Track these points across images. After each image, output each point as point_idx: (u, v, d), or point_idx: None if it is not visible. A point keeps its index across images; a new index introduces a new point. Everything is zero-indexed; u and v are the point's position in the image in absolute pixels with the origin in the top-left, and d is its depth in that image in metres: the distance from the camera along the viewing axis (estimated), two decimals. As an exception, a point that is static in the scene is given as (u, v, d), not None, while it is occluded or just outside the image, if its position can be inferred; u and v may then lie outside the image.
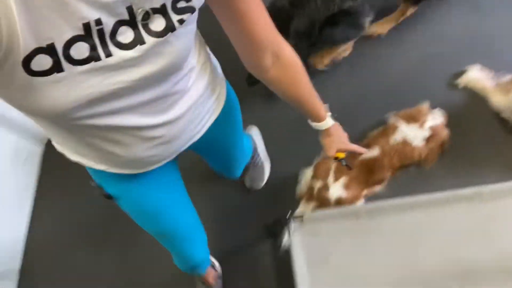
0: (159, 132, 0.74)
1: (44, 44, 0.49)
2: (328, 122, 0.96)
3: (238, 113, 1.04)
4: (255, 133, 1.77)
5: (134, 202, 0.95)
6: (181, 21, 0.59)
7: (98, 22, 0.52)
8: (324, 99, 0.94)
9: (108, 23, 0.53)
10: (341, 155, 1.03)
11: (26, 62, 0.49)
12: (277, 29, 0.76)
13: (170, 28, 0.58)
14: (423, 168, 1.60)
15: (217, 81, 0.86)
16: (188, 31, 0.63)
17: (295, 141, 1.77)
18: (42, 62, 0.50)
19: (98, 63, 0.55)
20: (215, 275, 1.52)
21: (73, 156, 0.81)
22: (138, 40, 0.56)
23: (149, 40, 0.57)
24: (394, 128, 1.59)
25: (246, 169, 1.59)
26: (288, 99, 0.85)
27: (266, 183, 1.74)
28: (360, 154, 1.07)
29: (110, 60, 0.55)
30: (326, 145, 1.01)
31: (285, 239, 1.29)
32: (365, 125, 1.73)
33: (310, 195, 1.57)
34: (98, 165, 0.81)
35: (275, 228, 1.47)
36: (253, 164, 1.66)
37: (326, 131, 0.98)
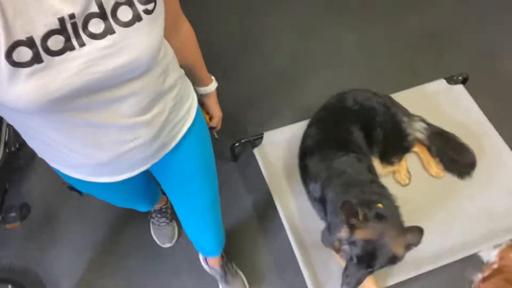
0: (134, 134, 0.77)
1: (23, 37, 0.55)
2: (213, 85, 1.10)
3: (209, 147, 1.07)
4: None
5: (105, 198, 1.10)
6: (146, 11, 0.65)
7: (72, 16, 0.58)
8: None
9: (80, 16, 0.59)
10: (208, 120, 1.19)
11: (8, 53, 0.55)
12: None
13: (137, 17, 0.64)
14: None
15: (189, 94, 0.93)
16: (154, 23, 0.67)
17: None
18: (23, 54, 0.55)
19: (73, 53, 0.59)
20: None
21: (52, 163, 0.87)
22: (108, 30, 0.61)
23: (118, 29, 0.62)
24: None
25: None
26: (183, 63, 0.94)
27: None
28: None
29: (83, 50, 0.60)
30: (211, 106, 1.14)
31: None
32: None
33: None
34: (74, 174, 0.86)
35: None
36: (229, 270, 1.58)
37: (210, 94, 1.11)
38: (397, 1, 2.49)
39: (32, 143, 0.80)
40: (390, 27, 2.37)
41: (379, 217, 1.14)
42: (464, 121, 1.74)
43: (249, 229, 1.71)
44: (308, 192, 1.48)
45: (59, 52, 0.58)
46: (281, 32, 2.39)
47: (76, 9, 0.58)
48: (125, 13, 0.62)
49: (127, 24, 0.63)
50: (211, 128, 1.21)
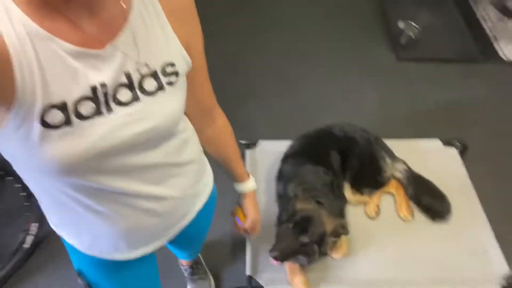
0: (152, 204, 0.80)
1: (57, 101, 0.59)
2: (250, 183, 1.09)
3: (212, 214, 1.13)
4: None
5: None
6: (169, 83, 0.72)
7: (103, 85, 0.63)
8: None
9: (111, 86, 0.64)
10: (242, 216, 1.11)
11: (42, 115, 0.59)
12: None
13: (160, 87, 0.70)
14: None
15: (205, 170, 0.98)
16: (176, 94, 0.74)
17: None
18: (55, 116, 0.59)
19: (101, 118, 0.64)
20: None
21: (69, 238, 0.88)
22: (134, 99, 0.67)
23: (143, 98, 0.68)
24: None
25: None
26: (218, 156, 0.99)
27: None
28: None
29: (111, 116, 0.65)
30: (247, 206, 1.11)
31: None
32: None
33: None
34: (89, 250, 0.87)
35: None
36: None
37: (247, 194, 1.10)
38: (425, 73, 2.68)
39: (56, 212, 0.83)
40: (412, 95, 2.55)
41: (319, 203, 1.30)
42: (448, 180, 1.79)
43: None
44: (277, 191, 1.64)
45: (88, 117, 0.63)
46: (314, 74, 2.68)
47: (107, 79, 0.64)
48: (150, 84, 0.69)
49: (151, 94, 0.69)
50: (245, 231, 1.14)
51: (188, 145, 0.85)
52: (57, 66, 0.59)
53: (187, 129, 0.86)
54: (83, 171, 0.67)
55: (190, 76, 0.79)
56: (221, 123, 0.98)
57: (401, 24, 2.78)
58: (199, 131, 0.93)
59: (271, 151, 1.91)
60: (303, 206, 1.28)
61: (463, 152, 1.97)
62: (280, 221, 1.37)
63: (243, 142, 1.95)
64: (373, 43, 2.87)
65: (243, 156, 2.02)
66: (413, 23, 2.73)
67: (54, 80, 0.59)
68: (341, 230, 1.25)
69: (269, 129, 2.30)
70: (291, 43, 2.90)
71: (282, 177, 1.62)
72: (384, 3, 3.15)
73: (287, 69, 2.74)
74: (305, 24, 3.03)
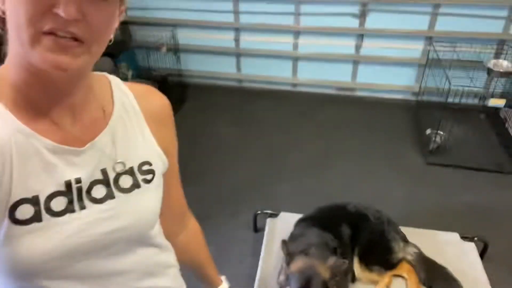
0: None
1: (30, 195, 0.58)
2: (224, 286, 1.04)
3: None
4: None
5: None
6: (145, 180, 0.70)
7: (78, 180, 0.62)
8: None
9: (86, 182, 0.63)
10: None
11: (12, 210, 0.57)
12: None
13: (136, 185, 0.69)
14: None
15: None
16: (152, 192, 0.72)
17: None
18: (25, 211, 0.57)
19: (73, 215, 0.61)
20: None
21: None
22: (108, 196, 0.65)
23: (118, 195, 0.66)
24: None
25: None
26: (191, 262, 0.96)
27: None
28: None
29: (83, 212, 0.62)
30: None
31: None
32: None
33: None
34: None
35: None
36: None
37: None
38: (452, 177, 2.77)
39: None
40: (437, 195, 2.63)
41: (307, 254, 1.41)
42: (463, 271, 1.79)
43: None
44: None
45: (60, 213, 0.60)
46: (345, 166, 2.90)
47: (83, 175, 0.63)
48: (125, 181, 0.68)
49: (126, 191, 0.68)
50: None
51: (165, 261, 0.81)
52: (35, 161, 0.59)
53: (168, 246, 0.83)
54: (46, 273, 0.62)
55: (164, 179, 0.78)
56: (193, 228, 0.97)
57: (428, 131, 2.99)
58: (171, 237, 0.88)
59: (290, 222, 2.05)
60: (297, 265, 1.37)
61: (483, 251, 1.97)
62: (279, 276, 1.47)
63: (267, 211, 2.13)
64: (404, 145, 3.07)
65: (264, 224, 2.18)
66: (440, 132, 2.92)
67: (31, 175, 0.59)
68: (339, 268, 1.31)
69: (293, 205, 2.45)
70: (327, 136, 3.20)
71: (291, 238, 1.75)
72: (417, 111, 3.43)
73: (320, 158, 2.98)
74: (342, 124, 3.35)
